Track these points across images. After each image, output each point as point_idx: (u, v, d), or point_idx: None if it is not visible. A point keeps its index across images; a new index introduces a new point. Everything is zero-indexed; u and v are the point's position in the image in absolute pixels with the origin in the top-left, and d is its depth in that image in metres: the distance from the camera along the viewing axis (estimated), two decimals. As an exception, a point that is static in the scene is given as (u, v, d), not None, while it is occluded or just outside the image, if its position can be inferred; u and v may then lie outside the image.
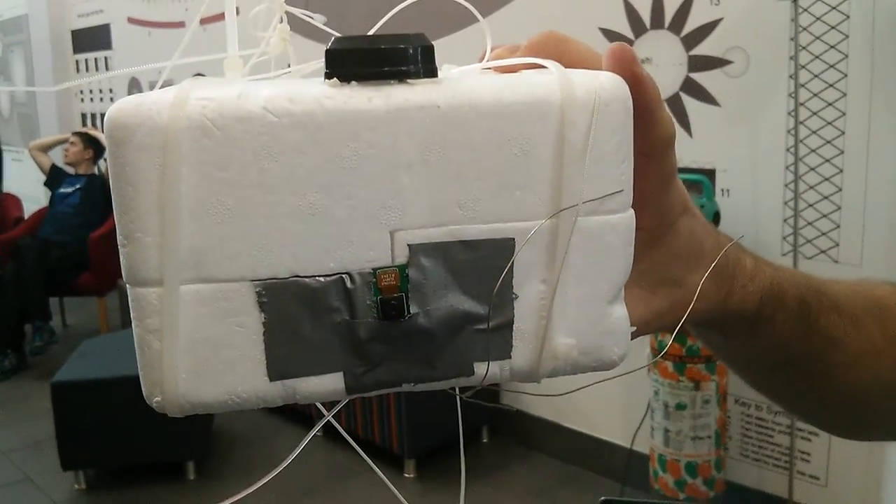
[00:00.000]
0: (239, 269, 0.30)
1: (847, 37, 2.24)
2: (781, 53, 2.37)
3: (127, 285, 0.30)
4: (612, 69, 0.34)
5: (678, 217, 0.40)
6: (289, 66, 0.38)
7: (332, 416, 0.38)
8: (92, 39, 5.84)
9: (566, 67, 0.33)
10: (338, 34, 0.32)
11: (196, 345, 0.30)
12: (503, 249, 0.32)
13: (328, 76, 0.30)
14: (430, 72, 0.31)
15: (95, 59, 5.85)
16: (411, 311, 0.31)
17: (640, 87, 0.34)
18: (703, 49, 2.55)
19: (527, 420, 3.22)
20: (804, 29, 2.29)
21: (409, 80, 0.31)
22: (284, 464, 0.36)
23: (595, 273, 0.33)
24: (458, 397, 0.36)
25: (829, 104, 2.30)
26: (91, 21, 5.82)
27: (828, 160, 2.32)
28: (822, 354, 0.50)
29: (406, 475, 3.04)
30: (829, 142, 2.31)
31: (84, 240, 4.65)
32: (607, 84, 0.32)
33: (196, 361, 0.30)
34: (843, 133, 2.29)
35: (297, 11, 0.36)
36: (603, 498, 1.03)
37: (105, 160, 4.91)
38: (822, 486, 2.45)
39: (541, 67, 0.34)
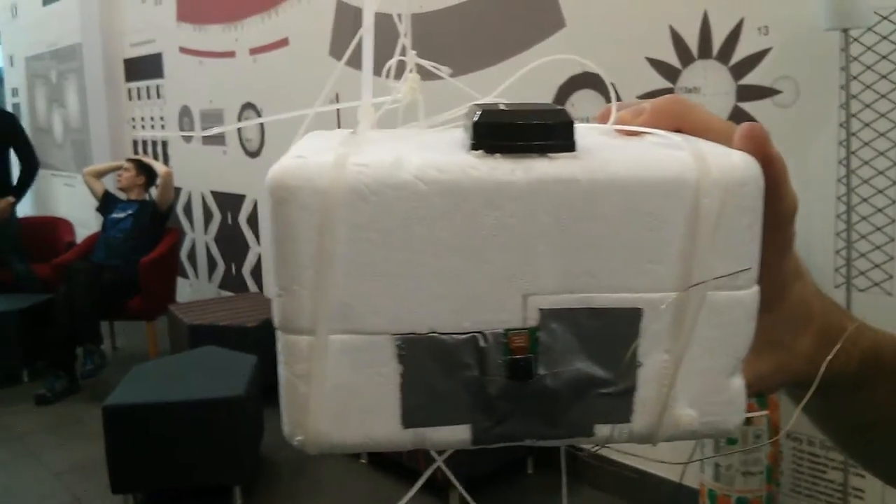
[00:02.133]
0: (382, 323, 0.32)
1: (900, 67, 2.22)
2: (832, 83, 2.34)
3: (278, 332, 0.33)
4: (744, 148, 0.35)
5: (793, 283, 0.41)
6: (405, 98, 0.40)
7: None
8: (144, 68, 5.98)
9: (689, 133, 0.35)
10: (447, 76, 0.34)
11: (339, 390, 0.32)
12: (630, 319, 0.33)
13: (474, 147, 0.32)
14: (569, 146, 0.32)
15: (147, 88, 5.99)
16: (539, 373, 0.33)
17: (770, 167, 0.35)
18: (751, 78, 2.54)
19: (573, 452, 3.19)
20: (855, 59, 2.27)
21: (549, 154, 0.32)
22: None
23: (718, 346, 0.34)
24: (561, 451, 0.37)
25: (882, 134, 2.27)
26: (143, 50, 5.96)
27: (881, 191, 2.29)
28: None
29: (451, 504, 3.03)
30: (881, 172, 2.28)
31: (135, 264, 4.74)
32: (741, 164, 0.33)
33: (338, 406, 0.32)
34: (897, 164, 2.25)
35: (427, 63, 0.38)
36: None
37: (156, 186, 5.02)
38: (877, 524, 2.39)
39: (665, 135, 0.36)
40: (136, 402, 3.08)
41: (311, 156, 0.32)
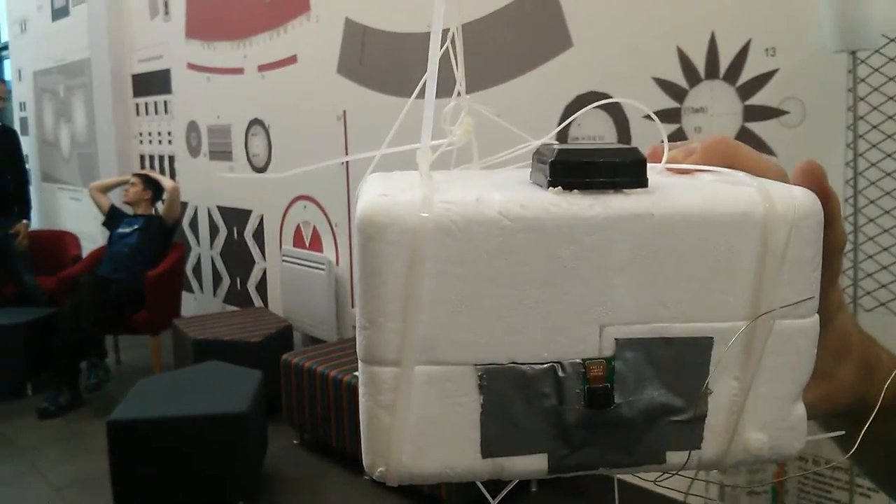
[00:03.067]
0: (464, 354, 0.33)
1: (906, 88, 2.23)
2: (839, 104, 2.35)
3: (361, 363, 0.34)
4: (804, 184, 0.37)
5: (835, 313, 0.42)
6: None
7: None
8: (152, 83, 6.02)
9: (736, 170, 0.37)
10: (496, 117, 0.35)
11: (422, 421, 0.33)
12: (702, 347, 0.34)
13: (552, 184, 0.34)
14: (642, 182, 0.34)
15: (155, 103, 6.03)
16: (616, 401, 0.34)
17: (827, 201, 0.37)
18: (758, 99, 2.55)
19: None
20: (862, 80, 2.28)
21: (624, 190, 0.34)
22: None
23: (784, 373, 0.36)
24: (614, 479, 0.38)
25: (888, 155, 2.28)
26: (151, 66, 6.00)
27: (887, 212, 2.29)
28: None
29: (455, 522, 3.02)
30: (888, 193, 2.29)
31: (140, 278, 4.75)
32: (804, 199, 0.35)
33: (419, 437, 0.33)
34: (903, 185, 2.26)
35: (483, 109, 0.40)
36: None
37: (163, 201, 5.04)
38: (884, 546, 2.38)
39: (718, 172, 0.38)
40: (140, 417, 3.08)
41: (396, 194, 0.33)
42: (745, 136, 2.57)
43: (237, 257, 5.31)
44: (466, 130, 0.40)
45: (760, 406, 0.35)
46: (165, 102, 5.89)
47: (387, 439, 0.33)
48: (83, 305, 4.45)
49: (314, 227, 4.57)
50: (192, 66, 5.48)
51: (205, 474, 3.09)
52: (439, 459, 0.34)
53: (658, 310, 0.34)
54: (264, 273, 5.08)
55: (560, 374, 0.33)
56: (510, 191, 0.33)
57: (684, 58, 2.74)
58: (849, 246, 2.32)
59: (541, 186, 0.34)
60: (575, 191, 0.33)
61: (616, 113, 2.95)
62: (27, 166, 5.96)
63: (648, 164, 0.41)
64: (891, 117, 2.27)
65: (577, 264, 0.33)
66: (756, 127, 2.56)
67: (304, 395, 3.68)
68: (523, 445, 0.34)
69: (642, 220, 0.33)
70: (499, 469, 0.34)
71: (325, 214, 4.46)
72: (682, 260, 0.34)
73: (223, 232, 5.44)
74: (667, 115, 2.78)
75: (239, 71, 5.00)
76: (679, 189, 0.35)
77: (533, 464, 0.34)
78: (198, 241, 5.75)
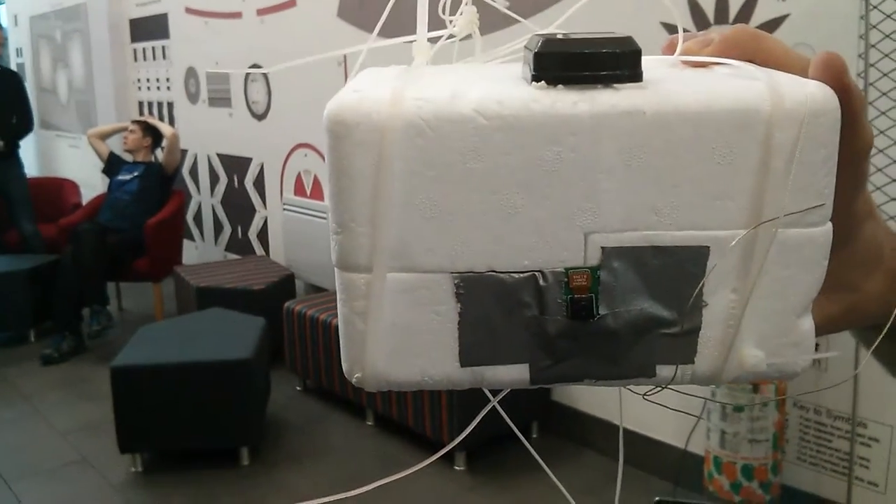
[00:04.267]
0: (440, 261, 0.32)
1: (920, 35, 2.19)
2: (850, 51, 2.31)
3: (336, 269, 0.32)
4: (821, 78, 0.33)
5: (863, 222, 0.39)
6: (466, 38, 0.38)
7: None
8: (150, 28, 5.93)
9: (760, 66, 0.33)
10: (504, 8, 0.32)
11: (396, 328, 0.32)
12: (697, 257, 0.32)
13: (535, 79, 0.31)
14: (636, 76, 0.31)
15: (153, 48, 5.94)
16: (600, 312, 0.32)
17: (847, 98, 0.33)
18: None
19: (578, 417, 3.21)
20: (874, 27, 2.24)
21: (614, 85, 0.31)
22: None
23: (788, 285, 0.33)
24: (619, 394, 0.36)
25: (899, 104, 2.25)
26: (149, 10, 5.91)
27: (896, 161, 2.27)
28: None
29: (457, 467, 3.06)
30: (897, 142, 2.26)
31: (141, 226, 4.74)
32: (817, 95, 0.31)
33: (395, 343, 0.32)
34: (914, 133, 2.23)
35: None
36: (657, 498, 1.03)
37: (162, 148, 5.00)
38: (881, 494, 2.41)
39: (735, 66, 0.34)
40: (143, 363, 3.10)
41: (367, 90, 0.31)
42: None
43: (238, 206, 5.29)
44: (469, 21, 0.36)
45: (761, 320, 0.33)
46: (163, 48, 5.81)
47: (362, 346, 0.32)
48: (84, 253, 4.45)
49: (315, 176, 4.54)
50: (190, 11, 5.40)
51: (208, 420, 3.11)
52: (416, 367, 0.33)
53: (649, 216, 0.31)
54: (265, 221, 5.06)
55: (541, 283, 0.32)
56: (492, 86, 0.31)
57: (693, 2, 2.69)
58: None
59: (526, 81, 0.32)
60: (560, 86, 0.31)
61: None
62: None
63: (661, 57, 0.38)
64: (903, 64, 2.23)
65: (560, 167, 0.30)
66: (765, 74, 2.53)
67: (306, 342, 3.70)
68: (504, 355, 0.32)
69: (632, 117, 0.30)
70: (479, 378, 0.33)
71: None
72: (676, 162, 0.31)
73: (224, 180, 5.41)
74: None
75: (237, 15, 4.92)
76: (678, 83, 0.32)
77: (514, 373, 0.33)
78: (198, 189, 5.72)
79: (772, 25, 2.49)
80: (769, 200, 0.31)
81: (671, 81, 0.32)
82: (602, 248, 0.32)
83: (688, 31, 0.38)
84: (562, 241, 0.31)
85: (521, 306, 0.32)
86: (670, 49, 0.38)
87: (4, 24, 8.21)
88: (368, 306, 0.32)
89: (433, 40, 0.35)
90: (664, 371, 0.33)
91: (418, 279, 0.32)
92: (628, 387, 0.35)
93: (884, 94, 2.26)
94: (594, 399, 3.13)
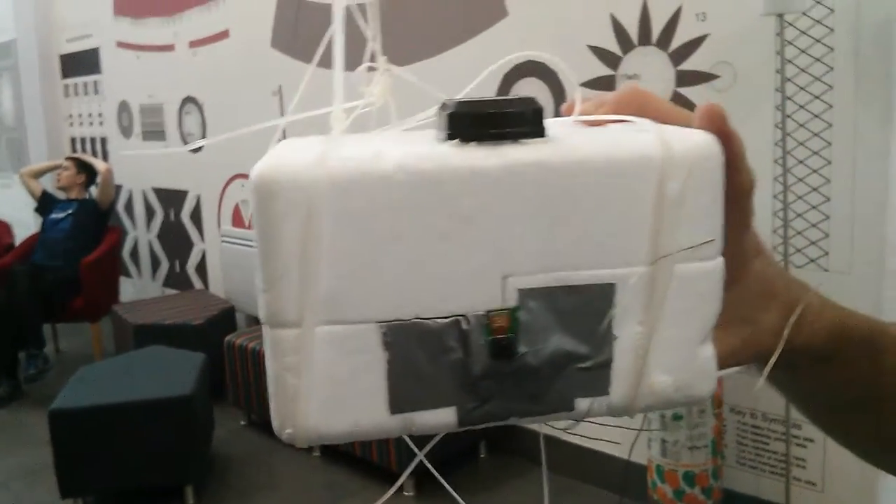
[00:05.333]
0: (367, 311, 0.33)
1: (832, 49, 2.28)
2: (768, 67, 2.41)
3: (265, 327, 0.33)
4: (704, 127, 0.36)
5: (753, 259, 0.42)
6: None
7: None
8: (81, 64, 5.85)
9: (643, 119, 0.37)
10: (416, 80, 0.35)
11: (327, 380, 0.33)
12: (604, 294, 0.35)
13: (450, 137, 0.33)
14: (540, 132, 0.34)
15: (85, 84, 5.86)
16: (520, 351, 0.34)
17: (729, 143, 0.36)
18: (690, 64, 2.59)
19: (525, 435, 3.24)
20: (790, 43, 2.33)
21: (521, 140, 0.34)
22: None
23: (688, 316, 0.36)
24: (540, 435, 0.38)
25: (816, 116, 2.34)
26: (80, 45, 5.83)
27: (815, 171, 2.36)
28: (891, 393, 0.51)
29: (405, 493, 3.05)
30: (816, 153, 2.35)
31: (76, 265, 4.64)
32: (702, 142, 0.35)
33: (327, 395, 0.33)
34: (830, 144, 2.33)
35: (399, 70, 0.39)
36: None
37: (97, 186, 4.92)
38: (819, 492, 2.47)
39: (628, 122, 0.38)
40: (82, 405, 3.02)
41: (291, 154, 0.32)
42: (677, 100, 2.61)
43: (175, 239, 5.22)
44: (383, 90, 0.39)
45: (666, 349, 0.35)
46: (95, 83, 5.73)
47: (294, 401, 0.33)
48: (18, 295, 4.34)
49: (254, 206, 4.50)
50: (121, 45, 5.34)
51: (151, 460, 3.05)
52: (347, 418, 0.33)
53: (559, 258, 0.34)
54: (203, 255, 5.01)
55: (464, 326, 0.33)
56: (410, 146, 0.33)
57: (617, 25, 2.76)
58: (779, 205, 2.39)
59: (441, 141, 0.34)
60: (473, 143, 0.33)
61: (552, 81, 2.97)
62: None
63: (561, 118, 0.41)
64: (818, 79, 2.32)
65: (476, 216, 0.33)
66: (688, 92, 2.60)
67: (248, 375, 3.66)
68: (431, 399, 0.34)
69: (539, 168, 0.33)
70: (408, 424, 0.34)
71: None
72: (580, 207, 0.34)
73: (160, 214, 5.34)
74: (601, 83, 2.81)
75: (170, 48, 4.89)
76: (578, 138, 0.35)
77: (442, 417, 0.34)
78: (134, 225, 5.63)
79: (693, 45, 2.58)
80: (665, 239, 0.34)
81: (572, 137, 0.35)
82: (518, 289, 0.34)
83: (587, 98, 0.41)
84: (482, 286, 0.33)
85: (446, 350, 0.33)
86: (569, 111, 0.41)
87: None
88: (299, 361, 0.33)
89: (350, 110, 0.37)
90: (581, 404, 0.35)
91: (347, 330, 0.33)
92: (549, 423, 0.37)
93: (801, 107, 2.35)
94: (540, 416, 3.16)
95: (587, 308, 0.34)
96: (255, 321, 4.45)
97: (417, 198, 0.32)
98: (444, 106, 0.35)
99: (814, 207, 2.37)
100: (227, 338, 3.77)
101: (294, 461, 3.44)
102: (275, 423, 0.34)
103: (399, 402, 0.33)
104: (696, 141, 0.35)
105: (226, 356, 3.76)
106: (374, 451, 3.10)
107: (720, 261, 0.36)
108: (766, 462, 2.58)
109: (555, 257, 0.34)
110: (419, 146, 0.33)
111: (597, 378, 0.35)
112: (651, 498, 2.52)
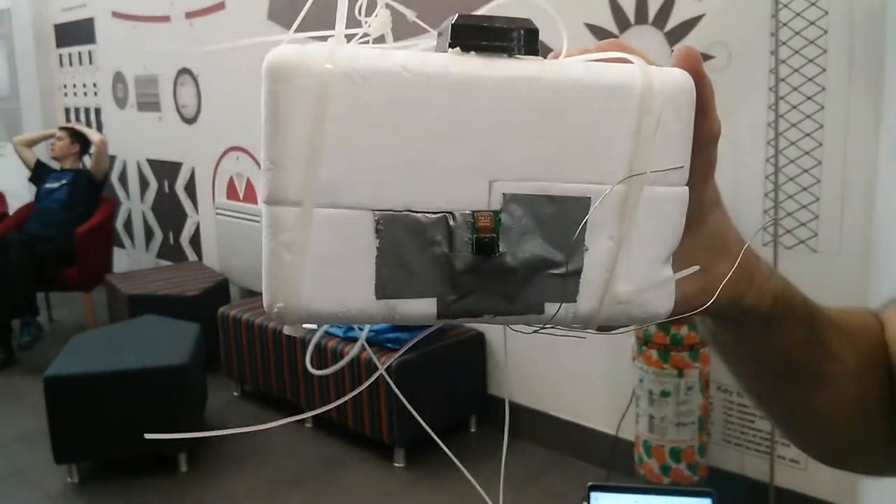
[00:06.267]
0: (363, 199, 0.35)
1: (826, 32, 2.30)
2: (762, 49, 2.42)
3: (264, 205, 0.35)
4: (680, 66, 0.40)
5: (711, 210, 0.45)
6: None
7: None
8: (75, 33, 5.82)
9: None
10: (413, 17, 0.38)
11: (320, 260, 0.35)
12: (580, 206, 0.38)
13: (452, 45, 0.36)
14: (534, 51, 0.37)
15: (80, 53, 5.83)
16: (501, 251, 0.37)
17: (701, 84, 0.40)
18: (686, 44, 2.60)
19: (514, 409, 3.27)
20: (784, 24, 2.34)
21: (517, 55, 0.37)
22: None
23: (654, 235, 0.39)
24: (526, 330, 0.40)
25: (809, 98, 2.36)
26: (75, 15, 5.79)
27: (807, 153, 2.38)
28: (819, 365, 0.54)
29: (396, 464, 3.09)
30: (808, 134, 2.37)
31: (70, 235, 4.65)
32: (678, 77, 0.39)
33: (317, 275, 0.35)
34: (822, 126, 2.35)
35: (396, 5, 0.41)
36: (590, 483, 1.08)
37: (90, 155, 4.91)
38: (802, 470, 2.52)
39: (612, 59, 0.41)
40: (76, 372, 3.05)
41: (303, 48, 0.34)
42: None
43: (169, 211, 5.23)
44: (383, 22, 0.40)
45: (632, 263, 0.38)
46: (90, 53, 5.70)
47: (286, 277, 0.35)
48: (12, 264, 4.35)
49: (248, 179, 4.52)
50: (116, 15, 5.31)
51: (145, 428, 3.04)
52: (336, 298, 0.35)
53: (543, 168, 0.37)
54: (198, 227, 5.01)
55: (451, 223, 0.36)
56: (414, 52, 0.36)
57: (614, 3, 2.77)
58: (770, 186, 2.41)
59: (444, 50, 0.37)
60: (472, 53, 0.36)
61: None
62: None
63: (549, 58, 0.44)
64: (811, 60, 2.34)
65: (471, 121, 0.35)
66: (683, 71, 2.61)
67: (242, 347, 3.68)
68: (415, 289, 0.36)
69: (531, 82, 0.36)
70: (391, 311, 0.36)
71: (259, 166, 4.41)
72: (565, 123, 0.36)
73: (154, 185, 5.34)
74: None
75: (165, 19, 4.87)
76: (568, 62, 0.38)
77: (423, 307, 0.36)
78: (128, 196, 5.63)
79: (689, 25, 2.59)
80: (640, 161, 0.38)
81: (565, 61, 0.38)
82: (503, 194, 0.36)
83: (573, 48, 0.43)
84: (470, 187, 0.36)
85: (432, 243, 0.36)
86: (555, 57, 0.43)
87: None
88: (295, 239, 0.35)
89: (349, 38, 0.39)
90: (551, 309, 0.38)
91: (343, 215, 0.35)
92: (517, 326, 0.40)
93: (795, 88, 2.37)
94: (529, 392, 3.20)
95: (564, 218, 0.37)
96: (249, 294, 4.48)
97: (419, 96, 0.35)
98: (447, 20, 0.37)
99: (804, 189, 2.40)
100: (221, 309, 3.80)
101: (286, 432, 3.47)
102: (266, 299, 0.36)
103: (385, 288, 0.36)
104: (674, 75, 0.38)
105: (219, 327, 3.78)
106: (366, 423, 3.14)
107: (686, 189, 0.39)
108: (752, 440, 2.63)
109: (539, 167, 0.37)
110: (423, 53, 0.36)
111: (567, 285, 0.38)
112: (637, 473, 2.56)
